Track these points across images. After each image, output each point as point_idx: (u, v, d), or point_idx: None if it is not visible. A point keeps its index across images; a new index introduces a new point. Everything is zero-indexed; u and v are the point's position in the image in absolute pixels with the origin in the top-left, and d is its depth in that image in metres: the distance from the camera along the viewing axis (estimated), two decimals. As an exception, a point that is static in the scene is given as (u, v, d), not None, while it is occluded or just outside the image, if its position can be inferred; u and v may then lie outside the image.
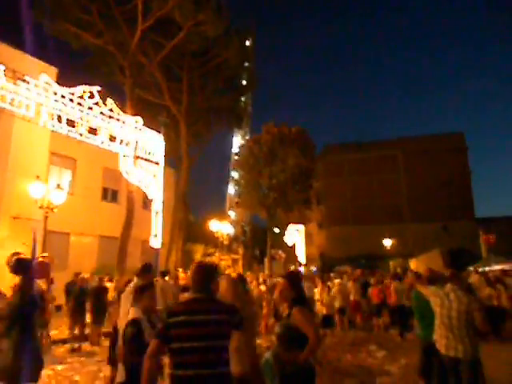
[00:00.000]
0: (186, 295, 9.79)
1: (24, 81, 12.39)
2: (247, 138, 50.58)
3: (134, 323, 3.44)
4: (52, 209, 12.35)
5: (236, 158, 53.73)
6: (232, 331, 2.53)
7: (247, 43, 26.88)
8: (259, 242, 43.65)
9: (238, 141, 53.96)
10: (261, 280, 14.65)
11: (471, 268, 17.96)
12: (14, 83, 12.15)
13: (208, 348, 2.44)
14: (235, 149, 53.55)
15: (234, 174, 52.44)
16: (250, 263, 37.02)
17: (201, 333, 2.44)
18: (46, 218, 12.25)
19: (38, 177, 12.57)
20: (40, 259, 6.67)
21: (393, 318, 11.54)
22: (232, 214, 44.55)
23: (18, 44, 15.75)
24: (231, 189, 52.11)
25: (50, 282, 9.59)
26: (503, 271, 13.99)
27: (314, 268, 34.99)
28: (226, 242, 24.20)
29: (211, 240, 30.90)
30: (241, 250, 36.70)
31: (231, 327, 2.53)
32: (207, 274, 2.70)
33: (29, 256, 6.63)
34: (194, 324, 2.47)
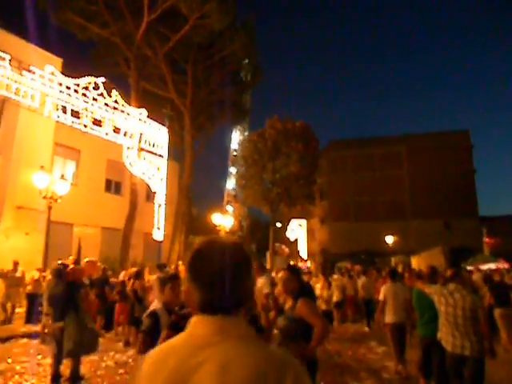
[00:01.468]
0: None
1: (29, 71, 12.42)
2: (246, 133, 50.74)
3: (153, 315, 3.51)
4: (56, 199, 12.40)
5: (235, 153, 54.12)
6: None
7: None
8: (259, 236, 43.78)
9: (236, 136, 54.14)
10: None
11: (471, 267, 17.97)
12: (20, 73, 12.18)
13: None
14: (234, 144, 53.90)
15: (233, 170, 52.88)
16: None
17: None
18: (50, 208, 12.30)
19: (42, 167, 12.62)
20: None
21: (361, 310, 12.57)
22: (230, 208, 44.70)
23: (24, 34, 15.76)
24: (229, 184, 52.51)
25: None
26: (491, 270, 14.11)
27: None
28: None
29: (212, 233, 30.95)
30: None
31: None
32: None
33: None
34: None
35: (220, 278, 1.03)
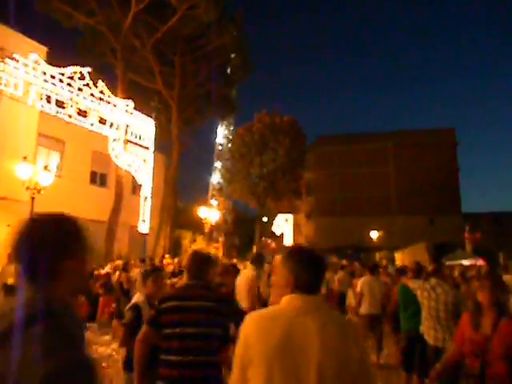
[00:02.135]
0: (174, 280, 9.83)
1: (12, 59, 12.15)
2: (232, 128, 50.72)
3: (134, 308, 3.50)
4: (39, 190, 12.19)
5: (220, 147, 54.17)
6: (222, 323, 2.55)
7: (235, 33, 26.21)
8: (246, 230, 43.83)
9: (222, 131, 54.10)
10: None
11: (449, 262, 18.26)
12: (2, 61, 11.90)
13: (196, 335, 2.43)
14: (219, 139, 53.95)
15: (218, 164, 52.97)
16: (230, 252, 37.26)
17: (191, 319, 2.44)
18: (33, 199, 12.09)
19: (25, 158, 12.36)
20: None
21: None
22: (214, 202, 44.72)
23: (7, 21, 15.34)
24: (214, 178, 52.57)
25: None
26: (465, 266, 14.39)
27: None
28: (206, 230, 24.24)
29: (197, 227, 31.03)
30: (221, 239, 36.92)
31: (219, 316, 2.54)
32: (202, 262, 2.72)
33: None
34: (185, 310, 2.48)
35: (319, 270, 1.63)
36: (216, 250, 33.16)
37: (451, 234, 31.77)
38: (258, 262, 6.17)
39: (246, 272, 5.83)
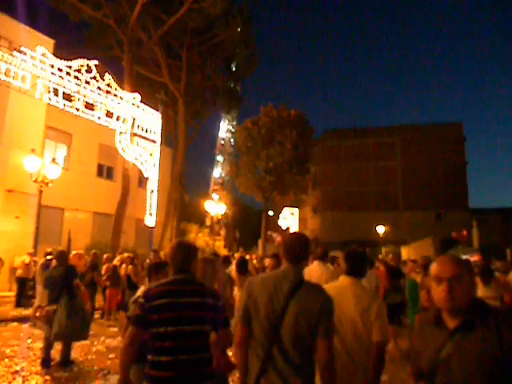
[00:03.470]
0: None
1: (20, 52, 12.17)
2: (234, 123, 50.62)
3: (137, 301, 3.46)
4: (47, 183, 12.26)
5: (222, 142, 54.24)
6: (213, 317, 2.43)
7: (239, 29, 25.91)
8: (252, 224, 43.89)
9: (225, 125, 54.07)
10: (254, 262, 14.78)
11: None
12: (10, 54, 11.93)
13: (189, 332, 2.32)
14: (222, 133, 53.96)
15: (220, 158, 53.03)
16: (231, 245, 37.38)
17: (185, 317, 2.30)
18: (41, 192, 12.18)
19: (33, 150, 12.43)
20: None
21: None
22: (215, 196, 45.00)
23: (15, 14, 15.38)
24: (216, 172, 52.70)
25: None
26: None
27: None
28: (208, 223, 24.31)
29: (203, 220, 31.14)
30: (223, 232, 37.06)
31: (213, 312, 2.43)
32: (188, 254, 2.55)
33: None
34: (175, 307, 2.33)
35: (354, 262, 2.75)
36: (219, 242, 33.30)
37: (458, 229, 31.60)
38: (323, 258, 6.38)
39: (314, 267, 5.55)
